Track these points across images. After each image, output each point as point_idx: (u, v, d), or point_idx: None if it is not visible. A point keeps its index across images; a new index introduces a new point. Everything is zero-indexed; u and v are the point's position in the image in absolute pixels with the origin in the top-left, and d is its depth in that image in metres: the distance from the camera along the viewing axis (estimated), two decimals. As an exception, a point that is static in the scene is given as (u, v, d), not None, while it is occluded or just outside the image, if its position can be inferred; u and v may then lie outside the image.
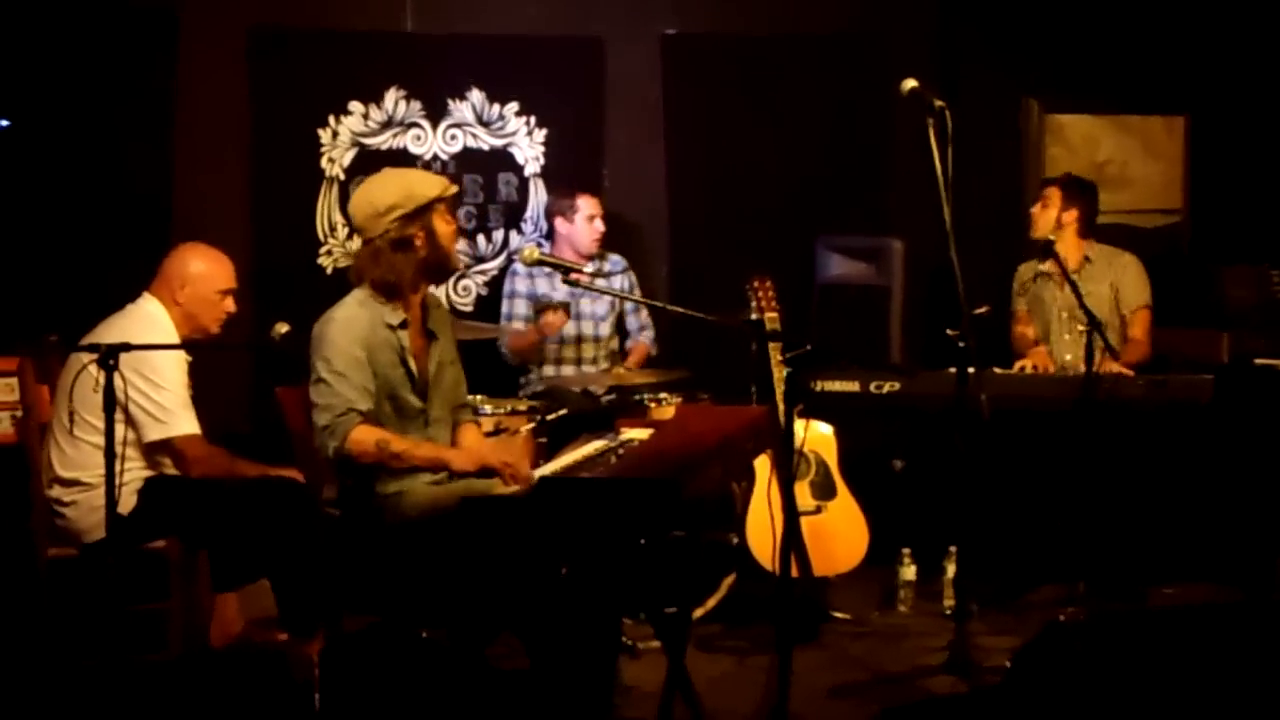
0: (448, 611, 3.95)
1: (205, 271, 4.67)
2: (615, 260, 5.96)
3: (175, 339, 4.61)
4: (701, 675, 4.27)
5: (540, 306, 5.60)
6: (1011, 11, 6.40)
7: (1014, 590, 5.42)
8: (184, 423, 4.50)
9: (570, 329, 5.79)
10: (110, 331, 4.46)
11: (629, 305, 5.99)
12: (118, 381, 3.81)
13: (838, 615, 5.29)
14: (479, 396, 5.13)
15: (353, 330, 3.94)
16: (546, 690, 3.76)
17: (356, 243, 5.99)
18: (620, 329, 6.03)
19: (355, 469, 3.91)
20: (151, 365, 4.43)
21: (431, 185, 4.07)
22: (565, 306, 5.58)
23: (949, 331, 4.54)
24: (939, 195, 4.44)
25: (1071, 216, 5.70)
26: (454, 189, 4.14)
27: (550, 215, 5.89)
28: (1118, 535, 5.26)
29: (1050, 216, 5.70)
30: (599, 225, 5.78)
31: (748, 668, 4.81)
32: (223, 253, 4.77)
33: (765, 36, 6.37)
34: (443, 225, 4.05)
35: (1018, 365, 5.60)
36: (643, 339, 6.01)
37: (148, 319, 4.60)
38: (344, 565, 4.02)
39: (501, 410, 5.17)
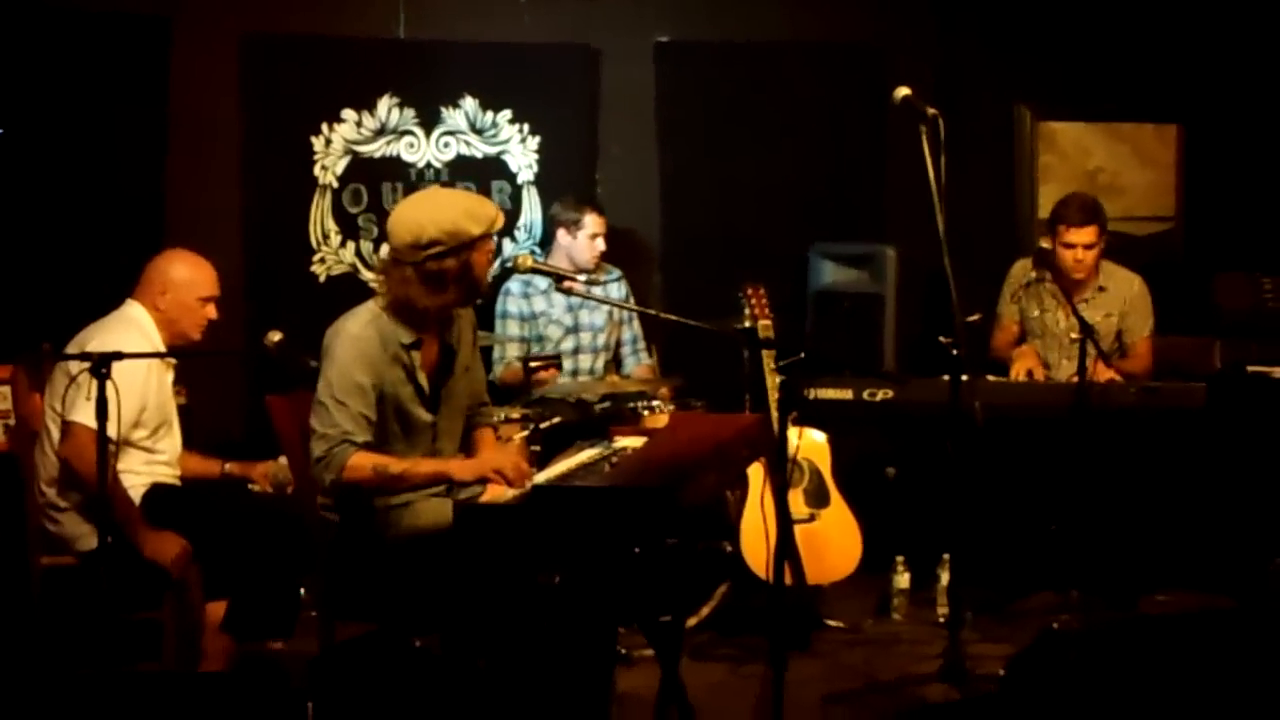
0: (441, 620, 3.95)
1: (187, 278, 4.66)
2: (612, 271, 5.96)
3: (159, 344, 4.61)
4: (695, 684, 4.28)
5: (533, 364, 5.56)
6: (1004, 19, 6.41)
7: (1007, 598, 5.43)
8: (83, 413, 4.37)
9: (569, 341, 5.80)
10: (95, 337, 4.46)
11: (624, 317, 5.99)
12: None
13: (831, 623, 5.29)
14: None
15: (360, 350, 3.88)
16: (541, 699, 3.75)
17: (349, 250, 6.08)
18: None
19: (355, 495, 3.90)
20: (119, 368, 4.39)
21: (478, 221, 3.90)
22: (557, 362, 5.59)
23: (942, 339, 4.55)
24: (932, 203, 4.45)
25: (1102, 243, 5.64)
26: (500, 223, 4.01)
27: (554, 224, 5.87)
28: (1111, 543, 5.27)
29: (1096, 255, 5.60)
30: (600, 244, 5.77)
31: (741, 676, 4.81)
32: (205, 259, 4.75)
33: (759, 44, 6.37)
34: (481, 259, 3.95)
35: (1013, 371, 5.60)
36: (643, 361, 6.00)
37: (133, 325, 4.59)
38: (339, 572, 4.01)
39: (495, 418, 5.16)
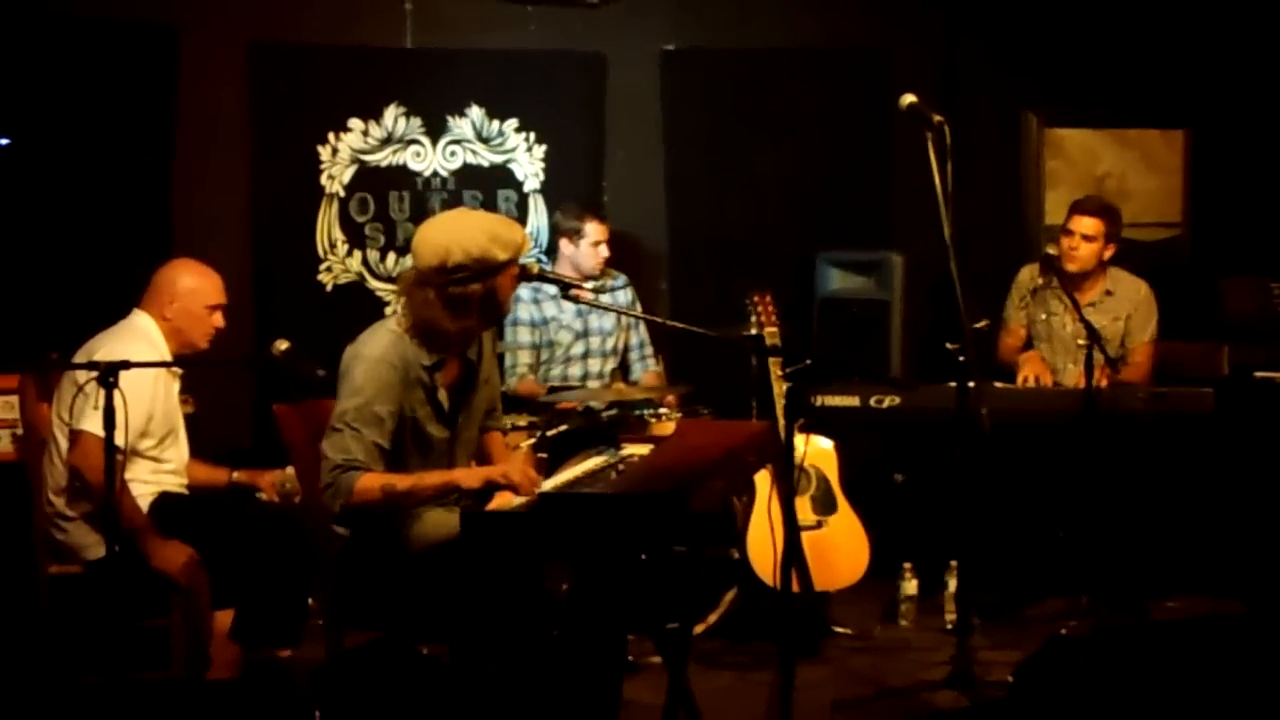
0: (449, 627, 3.95)
1: (194, 287, 4.67)
2: (618, 277, 5.96)
3: (167, 353, 4.61)
4: (703, 691, 4.26)
5: (555, 392, 5.58)
6: (1010, 26, 6.41)
7: (1016, 604, 5.42)
8: (91, 422, 4.36)
9: (579, 346, 5.80)
10: (103, 346, 4.47)
11: (632, 322, 5.98)
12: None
13: (839, 630, 5.28)
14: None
15: (380, 378, 3.82)
16: (549, 707, 3.75)
17: (356, 259, 6.09)
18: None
19: (367, 515, 3.89)
20: (126, 377, 4.39)
21: (504, 246, 3.84)
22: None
23: (949, 345, 4.55)
24: (939, 209, 4.45)
25: (1110, 251, 5.66)
26: (527, 247, 3.97)
27: (556, 233, 5.87)
28: (1120, 548, 5.26)
29: (1093, 251, 5.61)
30: (603, 251, 5.76)
31: (749, 683, 4.80)
32: (212, 268, 4.75)
33: (765, 51, 6.37)
34: (506, 284, 3.90)
35: (1020, 378, 5.60)
36: (650, 367, 6.00)
37: (140, 334, 4.60)
38: (347, 580, 4.01)
39: (503, 424, 5.16)
